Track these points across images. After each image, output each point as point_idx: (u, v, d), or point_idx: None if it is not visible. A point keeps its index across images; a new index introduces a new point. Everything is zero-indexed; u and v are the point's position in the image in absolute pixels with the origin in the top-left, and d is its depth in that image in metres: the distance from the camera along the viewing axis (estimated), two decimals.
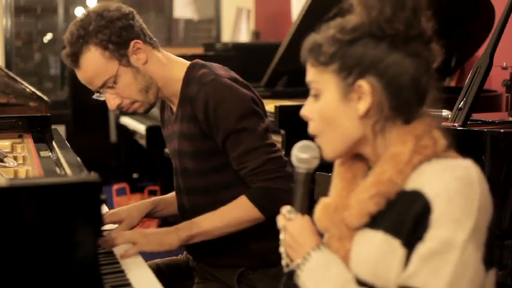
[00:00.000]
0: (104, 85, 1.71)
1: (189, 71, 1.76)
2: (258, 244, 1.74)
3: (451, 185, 1.04)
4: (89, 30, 1.66)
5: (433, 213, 1.04)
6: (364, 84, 1.10)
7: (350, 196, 1.16)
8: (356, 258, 1.14)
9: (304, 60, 1.17)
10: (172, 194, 1.95)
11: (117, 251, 1.57)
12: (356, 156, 1.20)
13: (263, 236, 1.70)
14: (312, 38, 1.16)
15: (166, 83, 1.76)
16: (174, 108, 1.81)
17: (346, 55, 1.11)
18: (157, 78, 1.74)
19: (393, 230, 1.08)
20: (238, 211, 1.68)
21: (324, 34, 1.14)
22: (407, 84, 1.10)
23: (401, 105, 1.11)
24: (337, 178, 1.21)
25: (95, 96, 1.77)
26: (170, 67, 1.77)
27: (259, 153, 1.67)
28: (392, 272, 1.07)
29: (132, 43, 1.70)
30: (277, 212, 1.61)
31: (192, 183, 1.78)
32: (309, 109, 1.18)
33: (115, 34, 1.67)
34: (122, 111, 1.78)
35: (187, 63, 1.79)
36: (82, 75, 1.71)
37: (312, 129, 1.18)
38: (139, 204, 1.88)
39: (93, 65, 1.68)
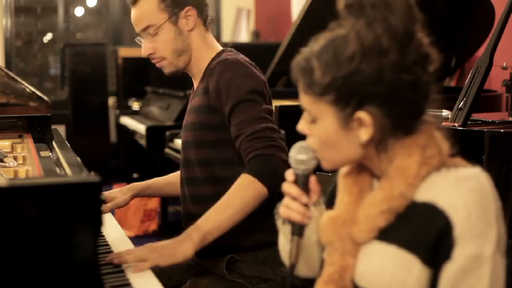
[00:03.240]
0: (145, 29, 1.82)
1: (218, 53, 1.86)
2: (243, 225, 1.70)
3: (468, 198, 1.03)
4: None
5: (455, 229, 1.03)
6: (364, 116, 1.06)
7: (358, 210, 1.14)
8: (366, 273, 1.12)
9: (294, 81, 1.13)
10: (172, 175, 2.07)
11: (117, 251, 1.56)
12: (360, 166, 1.18)
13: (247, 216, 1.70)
14: (301, 58, 1.11)
15: (198, 58, 1.86)
16: (196, 85, 1.90)
17: (342, 86, 1.06)
18: (194, 49, 1.85)
19: (408, 244, 1.07)
20: (241, 191, 1.63)
21: (314, 57, 1.09)
22: (408, 107, 1.07)
23: (403, 124, 1.09)
24: (345, 192, 1.19)
25: (136, 39, 1.88)
26: (207, 47, 1.88)
27: (260, 121, 1.71)
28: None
29: (187, 8, 1.82)
30: (275, 181, 1.59)
31: (189, 156, 1.84)
32: (306, 126, 1.15)
33: None
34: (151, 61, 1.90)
35: (221, 48, 1.90)
36: (134, 13, 1.83)
37: (311, 144, 1.16)
38: (131, 185, 2.05)
39: (147, 8, 1.81)
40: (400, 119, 1.08)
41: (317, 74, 1.08)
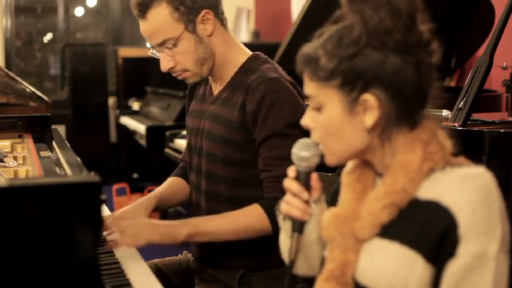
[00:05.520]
0: (162, 44, 1.69)
1: (251, 60, 1.75)
2: (259, 245, 1.74)
3: (473, 196, 1.04)
4: None
5: (459, 227, 1.03)
6: (370, 98, 1.07)
7: (360, 207, 1.14)
8: (368, 270, 1.12)
9: (300, 73, 1.14)
10: (169, 185, 1.92)
11: (117, 251, 1.56)
12: (364, 164, 1.18)
13: (264, 237, 1.70)
14: (306, 51, 1.13)
15: (222, 63, 1.75)
16: (216, 89, 1.80)
17: (348, 69, 1.07)
18: (218, 54, 1.74)
19: (411, 242, 1.07)
20: (249, 218, 1.64)
21: (319, 46, 1.11)
22: (413, 92, 1.08)
23: (408, 112, 1.09)
24: (348, 189, 1.19)
25: (149, 53, 1.76)
26: (231, 48, 1.76)
27: (290, 163, 1.64)
28: (411, 286, 1.06)
29: (203, 12, 1.69)
30: None
31: (216, 170, 1.75)
32: (310, 119, 1.15)
33: None
34: (172, 75, 1.77)
35: (249, 52, 1.79)
36: (145, 27, 1.70)
37: (315, 138, 1.16)
38: (144, 201, 1.80)
39: (159, 21, 1.67)
40: (405, 106, 1.08)
41: (323, 60, 1.09)
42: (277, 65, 1.76)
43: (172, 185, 1.94)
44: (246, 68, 1.73)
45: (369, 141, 1.12)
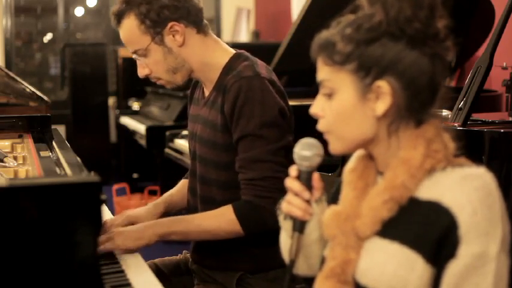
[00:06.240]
0: (135, 52, 1.75)
1: (232, 60, 1.75)
2: (258, 248, 1.74)
3: (473, 197, 1.04)
4: None
5: (460, 228, 1.03)
6: (383, 85, 1.08)
7: (361, 204, 1.15)
8: (368, 270, 1.12)
9: (314, 58, 1.14)
10: (178, 188, 1.97)
11: (116, 251, 1.56)
12: (366, 162, 1.19)
13: (263, 240, 1.70)
14: (324, 35, 1.13)
15: (203, 68, 1.77)
16: (207, 92, 1.81)
17: (364, 55, 1.08)
18: (193, 62, 1.75)
19: (411, 242, 1.07)
20: (221, 221, 1.67)
21: (337, 31, 1.11)
22: (426, 84, 1.09)
23: (417, 105, 1.10)
24: (349, 186, 1.19)
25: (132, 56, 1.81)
26: (211, 53, 1.77)
27: (264, 167, 1.64)
28: (411, 286, 1.06)
29: (170, 24, 1.71)
30: (256, 231, 1.63)
31: (208, 174, 1.76)
32: (320, 107, 1.15)
33: (155, 11, 1.69)
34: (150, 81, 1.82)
35: (232, 52, 1.79)
36: (121, 35, 1.77)
37: (322, 126, 1.16)
38: (154, 207, 1.88)
39: (129, 32, 1.73)
40: (416, 98, 1.09)
41: (339, 45, 1.10)
42: (258, 61, 1.76)
43: (182, 189, 1.97)
44: (228, 68, 1.74)
45: (377, 131, 1.12)
